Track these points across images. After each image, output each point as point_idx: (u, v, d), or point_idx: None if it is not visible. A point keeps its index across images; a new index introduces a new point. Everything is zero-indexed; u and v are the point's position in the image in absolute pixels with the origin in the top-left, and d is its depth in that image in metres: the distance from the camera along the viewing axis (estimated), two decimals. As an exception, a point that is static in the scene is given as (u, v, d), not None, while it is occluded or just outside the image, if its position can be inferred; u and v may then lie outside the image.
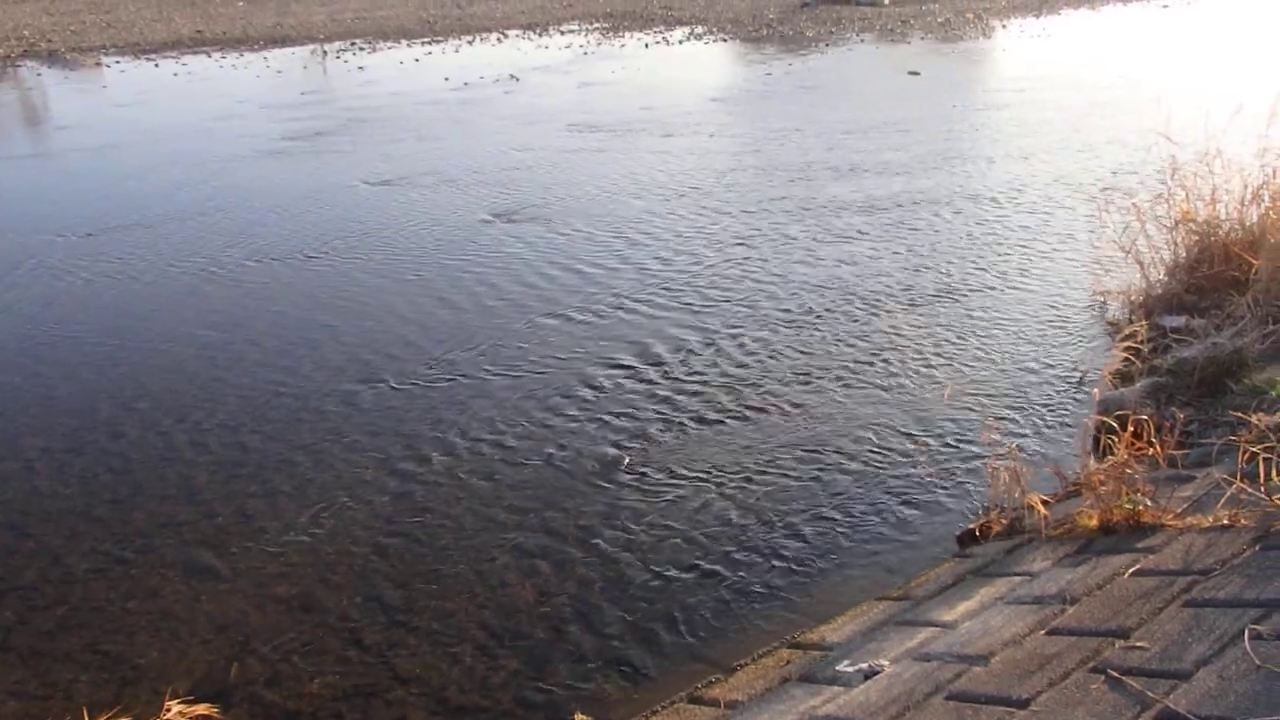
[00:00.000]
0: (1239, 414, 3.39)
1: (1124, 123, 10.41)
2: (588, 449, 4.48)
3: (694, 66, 16.06)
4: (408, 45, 18.94)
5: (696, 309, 6.04)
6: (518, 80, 14.96)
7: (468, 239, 7.57)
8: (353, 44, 19.20)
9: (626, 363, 5.33)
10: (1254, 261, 4.80)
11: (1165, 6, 21.05)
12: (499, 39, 19.39)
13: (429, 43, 19.15)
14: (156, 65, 18.26)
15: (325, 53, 18.63)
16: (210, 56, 18.86)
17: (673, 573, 3.58)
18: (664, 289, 6.39)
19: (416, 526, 3.93)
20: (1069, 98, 12.15)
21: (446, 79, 15.22)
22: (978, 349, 5.37)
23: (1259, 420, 3.24)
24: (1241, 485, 2.89)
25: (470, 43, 19.05)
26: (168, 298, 6.63)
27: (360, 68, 16.86)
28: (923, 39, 17.99)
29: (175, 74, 17.23)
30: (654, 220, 7.81)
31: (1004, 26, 18.92)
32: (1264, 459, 2.91)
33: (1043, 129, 10.56)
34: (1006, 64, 15.98)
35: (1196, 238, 5.40)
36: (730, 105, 12.83)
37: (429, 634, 3.30)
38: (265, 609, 3.45)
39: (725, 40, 18.48)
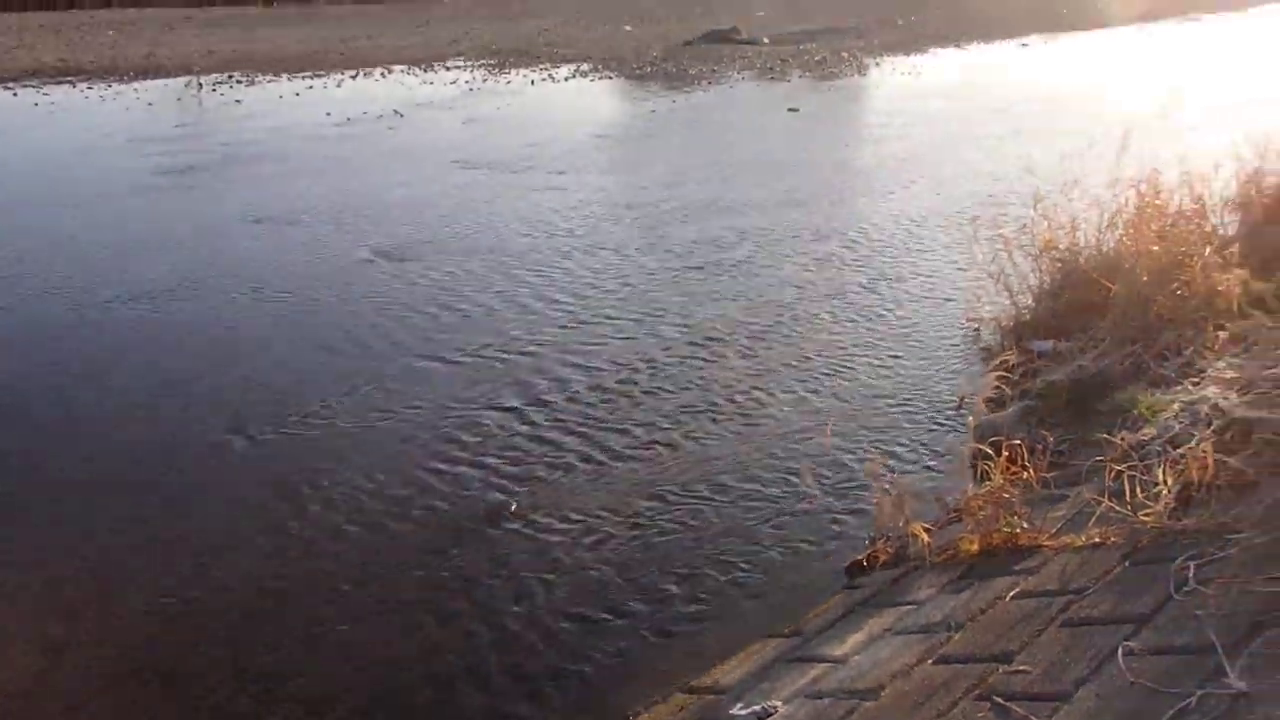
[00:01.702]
0: (1105, 434, 3.50)
1: (990, 155, 10.85)
2: (472, 495, 4.37)
3: (580, 103, 16.14)
4: (288, 79, 18.53)
5: (582, 348, 5.98)
6: (402, 116, 14.77)
7: (347, 278, 7.38)
8: (230, 76, 18.69)
9: (511, 405, 5.23)
10: (1112, 286, 5.01)
11: (1024, 45, 22.14)
12: (383, 74, 19.14)
13: (311, 76, 18.77)
14: (15, 94, 17.44)
15: (201, 85, 18.07)
16: (75, 86, 18.10)
17: (562, 622, 3.49)
18: (549, 328, 6.32)
19: (290, 585, 3.75)
20: (939, 132, 12.62)
21: (328, 114, 14.93)
22: (859, 379, 5.46)
23: (1122, 439, 3.36)
24: (1109, 503, 2.98)
25: (354, 77, 18.76)
26: (18, 342, 6.25)
27: (238, 101, 16.41)
28: (801, 76, 18.48)
29: (36, 104, 16.47)
30: (539, 258, 7.75)
31: (877, 64, 19.60)
32: (1128, 476, 3.02)
33: (915, 162, 10.92)
34: (880, 100, 16.53)
35: (1059, 265, 5.63)
36: (616, 142, 12.91)
37: (304, 701, 3.13)
38: (123, 684, 3.22)
39: (611, 77, 18.63)
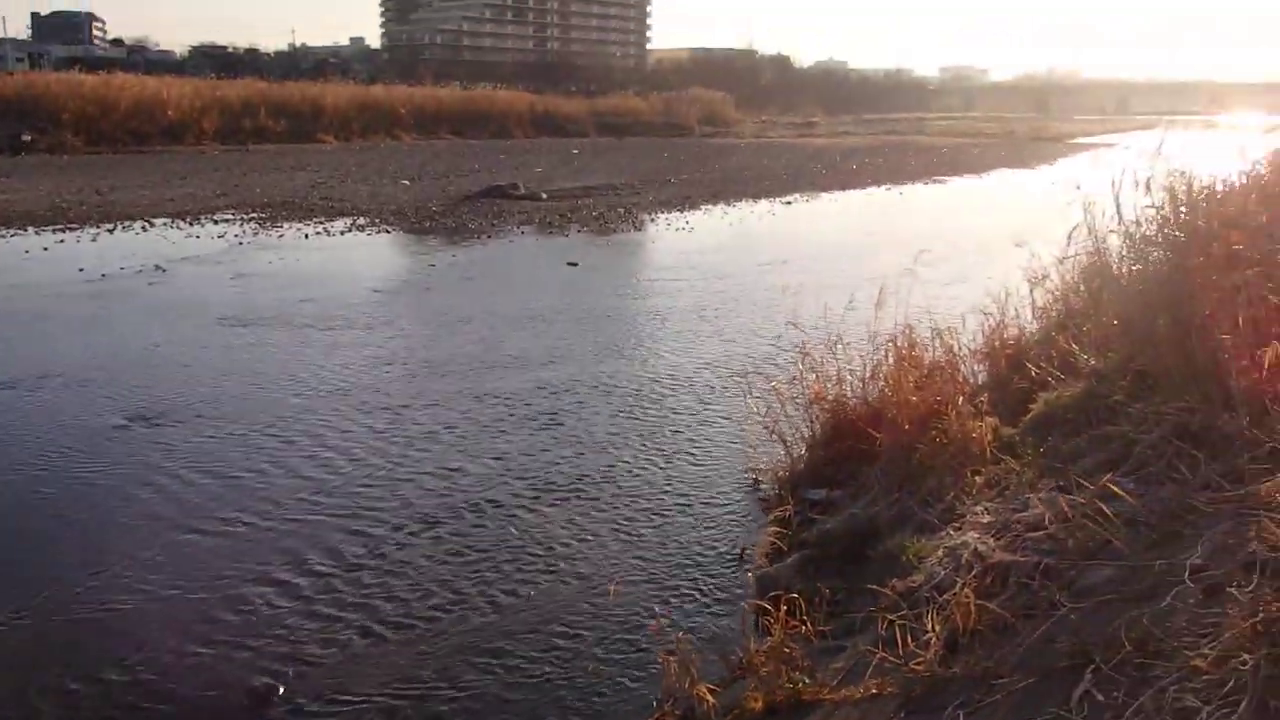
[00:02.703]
0: (876, 583, 3.63)
1: (759, 311, 11.45)
2: (237, 679, 4.00)
3: (356, 258, 15.92)
4: (35, 233, 17.31)
5: (356, 513, 5.71)
6: (164, 271, 14.05)
7: (98, 446, 6.77)
8: (-34, 231, 17.30)
9: (281, 577, 4.89)
10: (877, 435, 5.30)
11: (788, 203, 23.92)
12: (144, 227, 18.23)
13: (62, 230, 17.61)
14: None
15: (-69, 240, 16.58)
16: None
17: (333, 821, 3.20)
18: (321, 493, 6.00)
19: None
20: (711, 286, 13.26)
21: (81, 270, 13.99)
22: (642, 535, 5.47)
23: (892, 587, 3.48)
24: (884, 653, 3.06)
25: (111, 230, 17.75)
26: None
27: (-26, 257, 15.15)
28: (580, 231, 19.09)
29: None
30: (312, 419, 7.42)
31: (652, 220, 20.56)
32: (899, 625, 3.11)
33: (690, 317, 11.38)
34: (655, 255, 17.28)
35: (829, 415, 5.93)
36: (393, 297, 12.77)
37: None
38: None
39: (389, 231, 18.55)
